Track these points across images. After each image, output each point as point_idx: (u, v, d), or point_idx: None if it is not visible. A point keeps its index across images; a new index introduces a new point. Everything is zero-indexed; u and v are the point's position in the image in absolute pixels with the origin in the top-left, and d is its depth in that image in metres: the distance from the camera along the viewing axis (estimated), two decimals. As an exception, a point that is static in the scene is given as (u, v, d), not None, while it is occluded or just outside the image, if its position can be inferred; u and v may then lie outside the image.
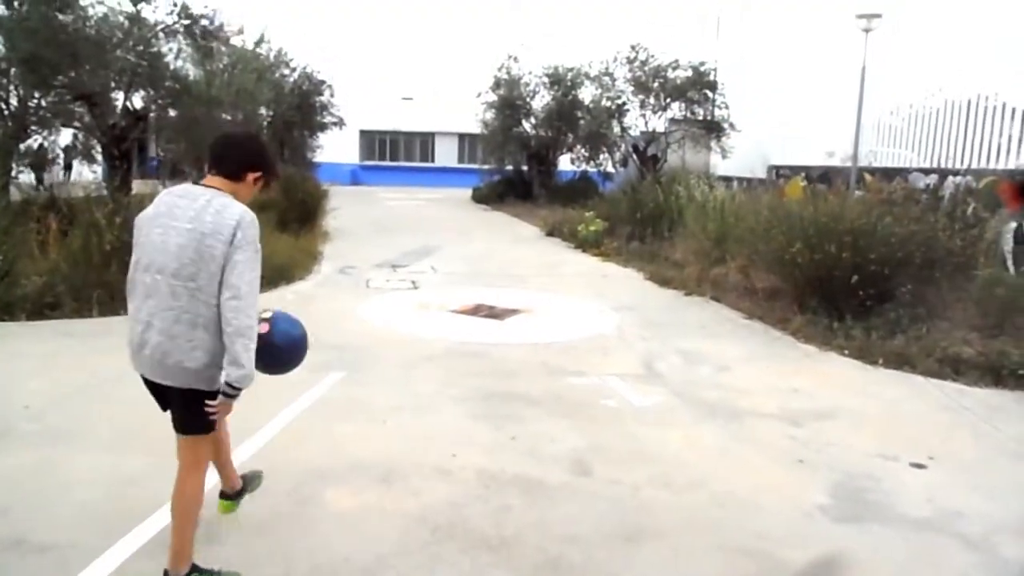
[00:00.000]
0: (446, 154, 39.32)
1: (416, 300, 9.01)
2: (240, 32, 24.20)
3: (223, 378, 2.68)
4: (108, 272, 7.52)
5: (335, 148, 29.19)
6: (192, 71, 13.91)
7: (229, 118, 15.23)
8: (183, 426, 2.82)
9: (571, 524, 3.59)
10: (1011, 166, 12.02)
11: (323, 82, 27.55)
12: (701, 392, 5.72)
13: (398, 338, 7.11)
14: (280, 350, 2.92)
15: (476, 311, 8.38)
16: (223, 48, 16.19)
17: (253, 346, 2.66)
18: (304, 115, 24.92)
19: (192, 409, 2.72)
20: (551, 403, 5.32)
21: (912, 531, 3.67)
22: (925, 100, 14.93)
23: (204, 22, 12.74)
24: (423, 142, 39.64)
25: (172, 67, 13.10)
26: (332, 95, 28.06)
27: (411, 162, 39.46)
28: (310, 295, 9.13)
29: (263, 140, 3.16)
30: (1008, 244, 10.70)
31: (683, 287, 10.02)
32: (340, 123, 28.41)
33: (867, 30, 13.63)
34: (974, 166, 13.00)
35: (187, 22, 12.56)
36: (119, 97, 12.79)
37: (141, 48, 12.48)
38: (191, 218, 2.69)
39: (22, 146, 12.22)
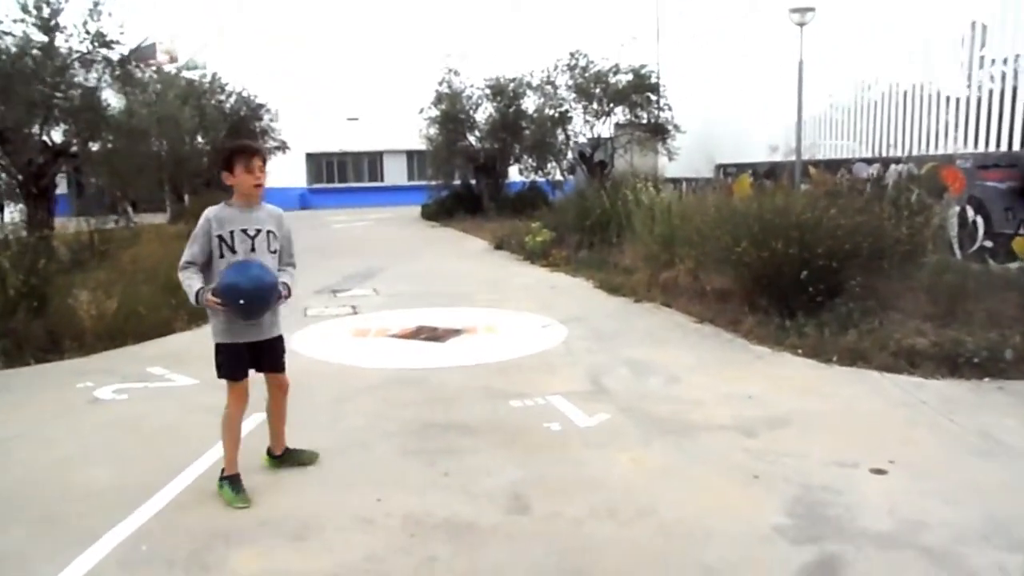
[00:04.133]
0: (395, 172, 38.88)
1: (355, 326, 8.58)
2: (173, 59, 23.52)
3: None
4: (13, 319, 6.99)
5: (282, 173, 28.50)
6: (113, 101, 13.35)
7: (155, 148, 14.61)
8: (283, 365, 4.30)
9: (502, 573, 3.23)
10: (949, 151, 12.04)
11: (262, 106, 26.95)
12: (650, 407, 5.41)
13: (331, 370, 6.68)
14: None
15: (417, 334, 7.99)
16: (150, 75, 15.59)
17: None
18: (243, 140, 24.34)
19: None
20: (490, 431, 4.96)
21: (874, 548, 3.37)
22: (863, 91, 14.97)
23: (120, 48, 12.15)
24: (371, 162, 39.15)
25: (90, 98, 12.54)
26: (273, 119, 27.49)
27: (360, 183, 38.92)
28: (243, 328, 8.64)
29: (217, 148, 3.69)
30: (954, 229, 10.69)
31: (633, 294, 9.75)
32: (283, 147, 27.81)
33: (801, 24, 13.61)
34: (914, 153, 13.01)
35: (103, 50, 12.00)
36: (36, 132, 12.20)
37: (57, 80, 11.90)
38: None
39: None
